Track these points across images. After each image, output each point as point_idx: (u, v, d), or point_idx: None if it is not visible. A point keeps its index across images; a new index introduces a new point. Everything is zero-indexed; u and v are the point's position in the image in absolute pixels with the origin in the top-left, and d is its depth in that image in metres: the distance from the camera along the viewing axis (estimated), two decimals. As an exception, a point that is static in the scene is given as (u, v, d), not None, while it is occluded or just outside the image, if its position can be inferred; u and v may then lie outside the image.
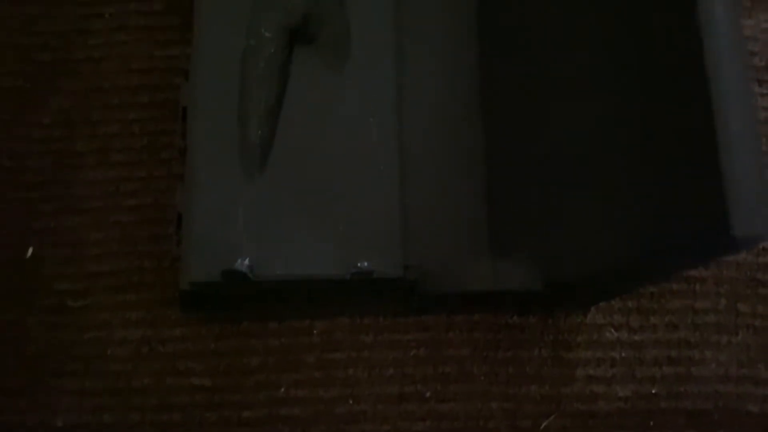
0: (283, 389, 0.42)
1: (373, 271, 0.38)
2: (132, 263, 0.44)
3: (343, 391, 0.42)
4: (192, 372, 0.43)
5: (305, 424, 0.42)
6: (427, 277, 0.39)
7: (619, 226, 0.32)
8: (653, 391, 0.43)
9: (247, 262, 0.38)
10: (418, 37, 0.44)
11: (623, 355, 0.43)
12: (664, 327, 0.44)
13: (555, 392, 0.43)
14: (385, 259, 0.39)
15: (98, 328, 0.43)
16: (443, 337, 0.43)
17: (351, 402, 0.42)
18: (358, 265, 0.38)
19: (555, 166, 0.36)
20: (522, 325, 0.43)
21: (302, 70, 0.42)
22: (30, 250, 0.45)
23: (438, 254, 0.40)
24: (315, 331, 0.43)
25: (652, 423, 0.42)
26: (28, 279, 0.44)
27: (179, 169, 0.43)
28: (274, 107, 0.41)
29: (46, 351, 0.43)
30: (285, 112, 0.41)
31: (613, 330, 0.44)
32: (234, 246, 0.38)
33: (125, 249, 0.44)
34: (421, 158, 0.41)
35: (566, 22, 0.38)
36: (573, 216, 0.35)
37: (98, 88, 0.46)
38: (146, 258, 0.44)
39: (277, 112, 0.41)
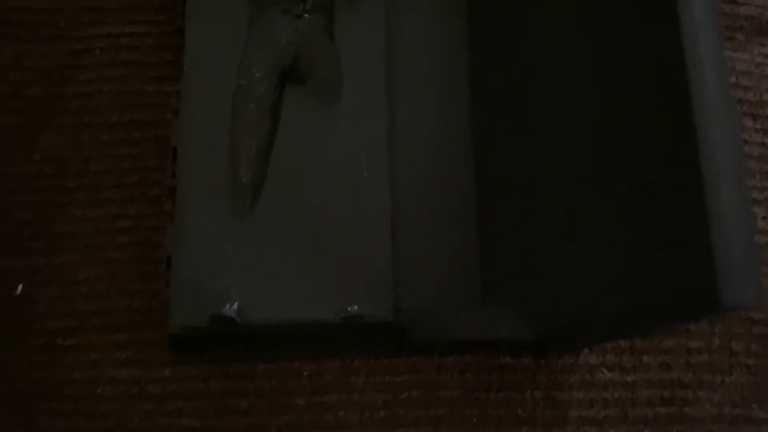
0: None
1: (363, 315, 0.38)
2: (122, 302, 0.44)
3: (334, 434, 0.42)
4: (182, 413, 0.42)
5: (296, 466, 0.42)
6: (418, 323, 0.39)
7: (608, 281, 0.32)
8: (646, 432, 0.43)
9: (235, 306, 0.38)
10: (410, 74, 0.44)
11: (616, 395, 0.43)
12: (657, 367, 0.44)
13: (548, 434, 0.42)
14: (375, 302, 0.39)
15: (88, 367, 0.43)
16: (435, 379, 0.43)
17: (342, 445, 0.42)
18: (348, 309, 0.38)
19: (546, 216, 0.36)
20: (514, 366, 0.43)
21: (293, 110, 0.42)
22: (20, 288, 0.44)
23: (429, 299, 0.40)
24: (305, 373, 0.43)
25: (645, 464, 0.42)
26: (18, 317, 0.44)
27: (170, 207, 0.42)
28: (265, 148, 0.41)
29: (36, 390, 0.43)
30: (276, 152, 0.41)
31: (605, 370, 0.43)
32: (222, 290, 0.38)
33: (115, 288, 0.44)
34: (413, 200, 0.41)
35: (562, 77, 0.37)
36: (562, 267, 0.35)
37: (89, 124, 0.46)
38: (136, 297, 0.44)
39: (267, 153, 0.41)
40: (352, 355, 0.43)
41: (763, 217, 0.46)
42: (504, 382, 0.43)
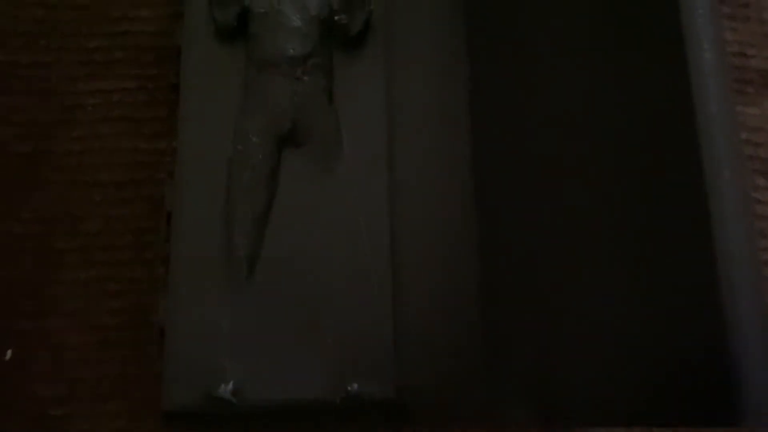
0: None
1: (364, 394, 0.37)
2: (114, 370, 0.43)
3: None
4: (175, 487, 0.41)
5: None
6: (421, 401, 0.38)
7: (618, 376, 0.31)
8: None
9: (230, 386, 0.37)
10: (411, 135, 0.43)
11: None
12: None
13: None
14: (376, 381, 0.38)
15: (80, 438, 0.42)
16: (438, 456, 0.42)
17: None
18: (348, 388, 0.37)
19: (551, 295, 0.35)
20: (519, 438, 0.42)
21: (291, 175, 0.41)
22: (9, 353, 0.43)
23: (431, 376, 0.39)
24: (305, 451, 0.41)
25: None
26: (8, 383, 0.43)
27: (164, 271, 0.41)
28: (262, 217, 0.40)
29: (27, 461, 0.42)
30: (273, 220, 0.40)
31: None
32: (217, 367, 0.38)
33: (108, 354, 0.43)
34: (414, 272, 0.40)
35: (565, 149, 0.36)
36: (568, 349, 0.34)
37: (80, 183, 0.45)
38: (129, 364, 0.43)
39: (264, 222, 0.40)
40: (353, 433, 0.42)
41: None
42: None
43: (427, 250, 0.41)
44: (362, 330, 0.38)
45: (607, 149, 0.37)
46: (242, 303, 0.39)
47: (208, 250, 0.39)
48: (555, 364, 0.36)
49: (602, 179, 0.37)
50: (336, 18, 0.41)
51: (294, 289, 0.39)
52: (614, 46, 0.38)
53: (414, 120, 0.43)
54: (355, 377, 0.37)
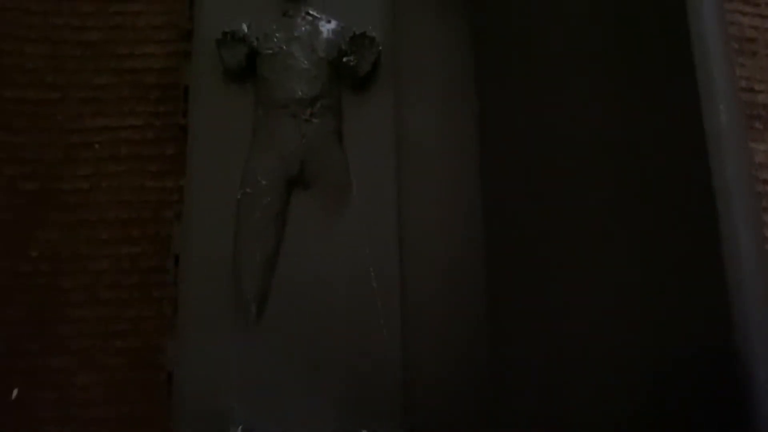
0: None
1: (373, 438, 0.37)
2: (121, 410, 0.43)
3: None
4: None
5: None
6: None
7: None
8: None
9: (240, 429, 0.37)
10: (420, 174, 0.43)
11: None
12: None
13: None
14: (386, 422, 0.38)
15: (85, 481, 0.42)
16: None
17: None
18: (358, 430, 0.37)
19: (562, 340, 0.35)
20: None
21: (300, 217, 0.41)
22: (15, 392, 0.43)
23: (441, 419, 0.39)
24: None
25: None
26: (14, 423, 0.43)
27: (171, 311, 0.42)
28: (270, 259, 0.40)
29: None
30: (281, 261, 0.40)
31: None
32: (226, 410, 0.38)
33: (114, 394, 0.43)
34: (423, 314, 0.40)
35: (573, 182, 0.37)
36: (577, 393, 0.34)
37: (87, 221, 0.45)
38: (137, 406, 0.43)
39: (273, 265, 0.40)
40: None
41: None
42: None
43: (437, 291, 0.41)
44: (371, 372, 0.38)
45: (616, 182, 0.38)
46: (251, 345, 0.39)
47: (216, 293, 0.40)
48: (562, 404, 0.36)
49: (612, 211, 0.37)
50: (344, 59, 0.42)
51: (303, 331, 0.39)
52: (624, 77, 0.38)
53: (423, 159, 0.43)
54: (364, 419, 0.38)
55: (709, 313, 0.30)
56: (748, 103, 0.50)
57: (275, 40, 0.42)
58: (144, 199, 0.46)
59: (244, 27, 0.43)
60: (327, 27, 0.43)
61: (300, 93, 0.41)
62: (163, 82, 0.47)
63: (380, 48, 0.43)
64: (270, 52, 0.42)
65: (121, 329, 0.44)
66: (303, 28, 0.43)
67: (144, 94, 0.47)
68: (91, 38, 0.48)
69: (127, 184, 0.46)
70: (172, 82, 0.47)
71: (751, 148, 0.49)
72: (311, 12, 0.44)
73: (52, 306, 0.45)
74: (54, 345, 0.44)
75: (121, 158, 0.46)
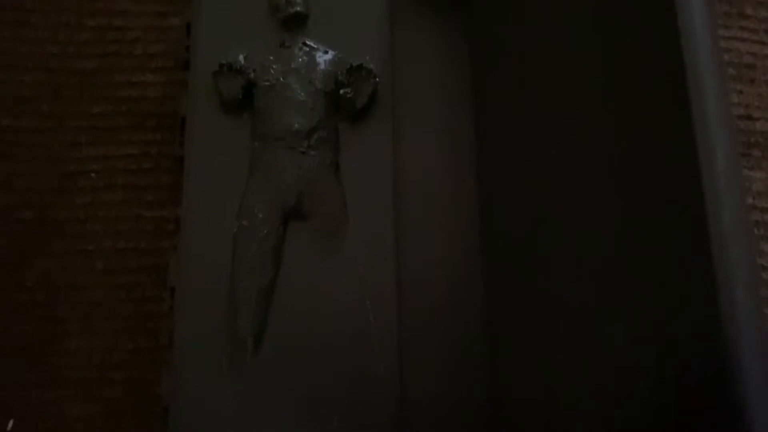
0: None
1: (370, 476, 0.38)
2: (117, 443, 0.43)
3: None
4: None
5: None
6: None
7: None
8: None
9: (236, 465, 0.37)
10: (419, 206, 0.43)
11: None
12: None
13: None
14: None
15: None
16: None
17: None
18: (354, 469, 0.38)
19: (562, 388, 0.35)
20: None
21: (296, 251, 0.41)
22: (11, 423, 0.44)
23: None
24: None
25: None
26: (8, 454, 0.43)
27: (167, 342, 0.42)
28: (267, 293, 0.40)
29: None
30: (278, 295, 0.41)
31: None
32: (222, 452, 0.38)
33: (110, 426, 0.44)
34: (421, 350, 0.41)
35: (570, 206, 0.37)
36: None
37: (83, 251, 0.46)
38: (133, 437, 0.43)
39: (269, 299, 0.40)
40: None
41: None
42: None
43: (435, 327, 0.41)
44: (368, 410, 0.39)
45: (613, 214, 0.38)
46: (246, 381, 0.39)
47: (212, 326, 0.40)
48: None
49: (608, 243, 0.37)
50: (341, 92, 0.42)
51: (299, 366, 0.39)
52: (618, 108, 0.39)
53: (421, 191, 0.43)
54: (360, 458, 0.38)
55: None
56: (746, 131, 0.50)
57: (272, 71, 0.42)
58: (140, 228, 0.46)
59: (241, 58, 0.43)
60: (324, 58, 0.43)
61: (297, 125, 0.41)
62: (160, 110, 0.47)
63: (377, 80, 0.43)
64: (267, 84, 0.42)
65: (118, 360, 0.44)
66: (300, 60, 0.43)
67: (140, 122, 0.47)
68: (88, 66, 0.48)
69: (124, 213, 0.46)
70: (169, 110, 0.47)
71: (749, 176, 0.49)
72: (308, 42, 0.44)
73: (47, 336, 0.45)
74: (49, 375, 0.44)
75: (118, 187, 0.46)
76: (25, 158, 0.47)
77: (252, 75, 0.42)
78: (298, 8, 0.44)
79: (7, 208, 0.46)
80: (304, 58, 0.43)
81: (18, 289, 0.45)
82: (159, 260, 0.45)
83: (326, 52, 0.43)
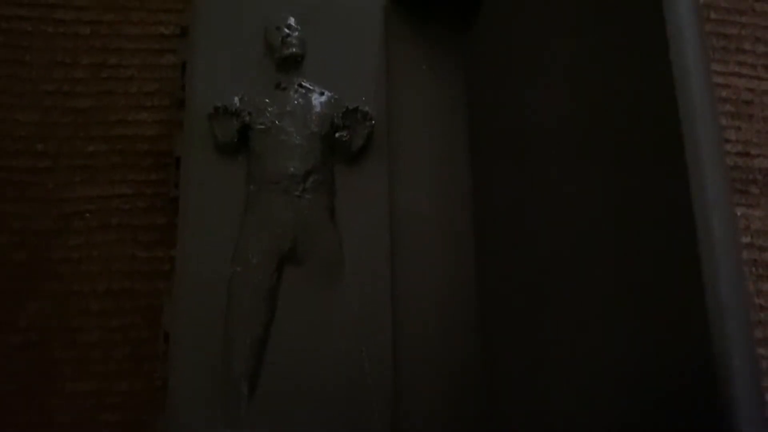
0: None
1: None
2: (111, 487, 0.43)
3: None
4: None
5: None
6: None
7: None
8: None
9: None
10: (414, 251, 0.43)
11: None
12: None
13: None
14: None
15: None
16: None
17: None
18: None
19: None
20: None
21: (291, 295, 0.41)
22: (4, 467, 0.44)
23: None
24: None
25: None
26: (1, 498, 0.43)
27: (162, 383, 0.42)
28: (261, 340, 0.40)
29: None
30: (272, 339, 0.41)
31: None
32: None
33: (104, 471, 0.43)
34: (416, 400, 0.40)
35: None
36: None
37: (77, 292, 0.46)
38: (126, 482, 0.43)
39: (263, 345, 0.40)
40: None
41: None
42: None
43: (431, 370, 0.41)
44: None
45: (608, 255, 0.38)
46: (241, 426, 0.39)
47: (206, 373, 0.40)
48: None
49: (605, 288, 0.37)
50: (337, 135, 0.42)
51: (293, 411, 0.39)
52: (611, 147, 0.39)
53: (417, 233, 0.43)
54: None
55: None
56: (744, 168, 0.50)
57: (267, 114, 0.42)
58: (135, 269, 0.46)
59: (236, 100, 0.43)
60: (320, 100, 0.43)
61: (292, 169, 0.41)
62: (154, 149, 0.47)
63: (373, 122, 0.43)
64: (262, 127, 0.42)
65: (112, 402, 0.44)
66: (296, 102, 0.43)
67: (135, 162, 0.47)
68: (82, 105, 0.48)
69: (118, 254, 0.46)
70: (164, 149, 0.47)
71: (747, 214, 0.49)
72: (304, 83, 0.44)
73: (41, 378, 0.45)
74: (43, 418, 0.44)
75: (112, 227, 0.46)
76: (19, 198, 0.47)
77: (247, 118, 0.42)
78: (294, 49, 0.44)
79: (2, 249, 0.46)
80: (300, 100, 0.43)
81: (11, 330, 0.45)
82: (154, 301, 0.45)
83: (322, 94, 0.44)
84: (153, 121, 0.48)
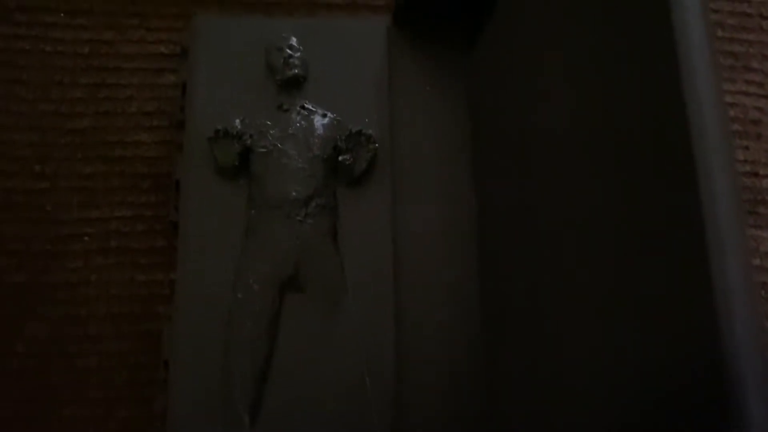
0: None
1: None
2: None
3: None
4: None
5: None
6: None
7: None
8: None
9: None
10: (417, 275, 0.43)
11: None
12: None
13: None
14: None
15: None
16: None
17: None
18: None
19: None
20: None
21: (293, 321, 0.41)
22: (1, 495, 0.43)
23: None
24: None
25: None
26: None
27: (162, 410, 0.41)
28: (262, 369, 0.40)
29: None
30: (274, 366, 0.40)
31: None
32: None
33: (103, 498, 0.43)
34: (421, 420, 0.40)
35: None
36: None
37: (76, 316, 0.45)
38: None
39: (265, 373, 0.40)
40: None
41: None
42: None
43: (434, 397, 0.41)
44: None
45: (614, 274, 0.37)
46: (243, 457, 0.39)
47: (207, 402, 0.39)
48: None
49: (609, 306, 0.37)
50: (340, 158, 0.42)
51: (296, 441, 0.39)
52: (620, 167, 0.38)
53: (421, 257, 0.43)
54: None
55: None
56: (752, 188, 0.49)
57: (269, 137, 0.42)
58: (134, 293, 0.45)
59: (237, 123, 0.43)
60: (322, 122, 0.43)
61: (294, 193, 0.41)
62: (154, 171, 0.47)
63: (377, 145, 0.42)
64: (264, 150, 0.42)
65: (111, 429, 0.44)
66: (298, 124, 0.42)
67: (134, 183, 0.47)
68: (80, 125, 0.47)
69: (117, 277, 0.46)
70: (164, 171, 0.46)
71: (756, 235, 0.49)
72: (307, 105, 0.43)
73: (39, 404, 0.44)
74: (41, 445, 0.44)
75: (111, 250, 0.46)
76: (16, 220, 0.46)
77: (248, 141, 0.42)
78: (297, 71, 0.43)
79: (-1, 271, 0.46)
80: (302, 122, 0.42)
81: (9, 355, 0.45)
82: (153, 326, 0.45)
83: (324, 116, 0.43)
84: (152, 142, 0.47)
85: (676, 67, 0.32)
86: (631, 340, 0.33)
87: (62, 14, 0.49)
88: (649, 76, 0.34)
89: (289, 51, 0.43)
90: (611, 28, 0.36)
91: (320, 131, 0.42)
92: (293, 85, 0.44)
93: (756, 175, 0.50)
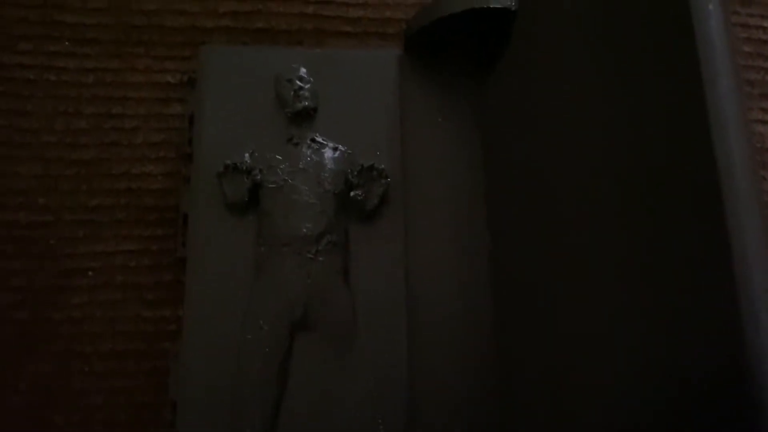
0: None
1: None
2: None
3: None
4: None
5: None
6: None
7: None
8: None
9: None
10: (430, 314, 0.42)
11: None
12: None
13: None
14: None
15: None
16: None
17: None
18: None
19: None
20: None
21: (303, 361, 0.40)
22: None
23: None
24: None
25: None
26: None
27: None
28: (272, 414, 0.39)
29: None
30: (284, 411, 0.39)
31: None
32: None
33: None
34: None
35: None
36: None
37: (80, 353, 0.44)
38: None
39: (275, 415, 0.39)
40: None
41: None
42: None
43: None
44: None
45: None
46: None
47: (216, 444, 0.38)
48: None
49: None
50: (352, 194, 0.41)
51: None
52: (642, 202, 0.38)
53: (434, 289, 0.42)
54: None
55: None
56: None
57: (279, 172, 0.41)
58: (140, 329, 0.45)
59: (247, 157, 0.42)
60: (333, 156, 0.42)
61: (305, 230, 0.40)
62: (160, 204, 0.46)
63: (389, 180, 0.42)
64: (274, 186, 0.41)
65: (116, 469, 0.43)
66: (308, 158, 0.42)
67: (141, 216, 0.46)
68: (85, 156, 0.47)
69: (122, 313, 0.45)
70: (171, 204, 0.46)
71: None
72: (317, 138, 0.43)
73: (43, 443, 0.44)
74: (45, 485, 0.43)
75: (116, 286, 0.45)
76: (19, 255, 0.45)
77: (258, 176, 0.41)
78: (307, 103, 0.43)
79: (2, 307, 0.45)
80: (313, 156, 0.42)
81: (11, 392, 0.44)
82: (159, 363, 0.44)
83: (335, 149, 0.43)
84: (159, 174, 0.46)
85: (702, 98, 0.32)
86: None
87: (67, 42, 0.48)
88: (674, 116, 0.34)
89: (299, 83, 0.43)
90: (632, 58, 0.35)
91: (331, 165, 0.42)
92: (304, 117, 0.43)
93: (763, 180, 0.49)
